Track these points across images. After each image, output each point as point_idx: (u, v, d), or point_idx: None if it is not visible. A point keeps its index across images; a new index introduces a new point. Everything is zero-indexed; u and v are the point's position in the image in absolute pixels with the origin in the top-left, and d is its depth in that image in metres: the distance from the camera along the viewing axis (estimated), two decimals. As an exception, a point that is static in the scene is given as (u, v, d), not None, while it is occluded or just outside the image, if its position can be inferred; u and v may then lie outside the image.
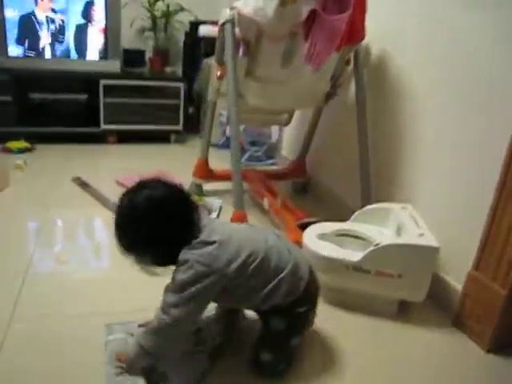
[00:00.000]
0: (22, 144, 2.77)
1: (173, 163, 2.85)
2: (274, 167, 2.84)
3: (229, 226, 1.22)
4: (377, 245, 1.39)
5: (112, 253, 1.72)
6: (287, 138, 2.86)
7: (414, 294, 1.43)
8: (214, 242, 1.06)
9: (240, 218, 1.66)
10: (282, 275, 1.11)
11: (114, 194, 2.10)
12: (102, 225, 1.98)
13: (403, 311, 1.49)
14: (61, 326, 1.29)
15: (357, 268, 1.41)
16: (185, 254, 1.05)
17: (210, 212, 2.07)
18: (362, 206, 1.75)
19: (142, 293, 1.44)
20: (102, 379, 1.09)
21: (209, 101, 2.12)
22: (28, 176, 2.42)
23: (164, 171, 2.48)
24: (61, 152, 2.82)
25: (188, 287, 1.03)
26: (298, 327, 1.18)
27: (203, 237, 1.07)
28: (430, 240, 1.38)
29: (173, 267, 1.08)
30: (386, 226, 1.61)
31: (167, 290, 1.07)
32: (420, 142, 1.69)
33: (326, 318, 1.38)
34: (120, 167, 2.67)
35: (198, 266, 1.03)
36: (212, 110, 2.13)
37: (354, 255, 1.42)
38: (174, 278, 1.06)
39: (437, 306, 1.52)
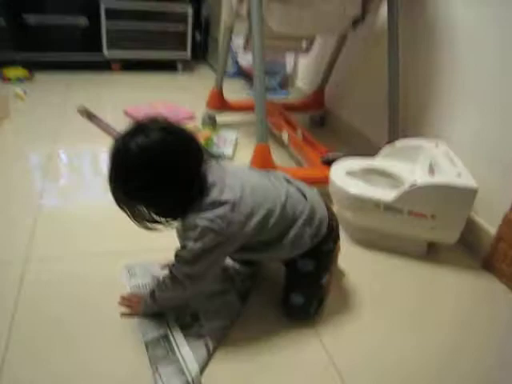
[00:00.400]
0: (20, 72, 2.62)
1: (182, 93, 2.72)
2: (290, 99, 2.70)
3: (242, 178, 0.99)
4: (413, 185, 1.30)
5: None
6: (303, 69, 2.70)
7: (446, 235, 1.37)
8: (225, 203, 0.91)
9: (263, 151, 1.55)
10: (300, 223, 1.03)
11: (123, 126, 2.05)
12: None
13: (432, 253, 1.43)
14: (77, 267, 1.22)
15: (389, 207, 1.34)
16: (194, 219, 0.90)
17: (225, 144, 1.97)
18: (388, 143, 1.65)
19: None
20: (127, 320, 1.05)
21: (223, 26, 1.95)
22: (29, 106, 2.29)
23: (173, 102, 2.39)
24: (62, 80, 2.68)
25: (203, 257, 0.93)
26: (325, 265, 1.13)
27: (214, 195, 0.91)
28: (468, 180, 1.30)
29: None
30: (416, 164, 1.52)
31: (180, 259, 0.96)
32: (455, 75, 1.56)
33: (353, 258, 1.33)
34: (126, 97, 2.54)
35: (212, 234, 0.90)
36: (227, 36, 1.97)
37: (387, 194, 1.34)
38: (185, 246, 0.94)
39: (466, 248, 1.47)
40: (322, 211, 1.09)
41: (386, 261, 1.39)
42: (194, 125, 2.14)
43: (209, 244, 0.91)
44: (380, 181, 1.50)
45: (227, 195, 0.92)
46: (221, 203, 0.91)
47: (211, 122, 2.18)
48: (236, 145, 2.01)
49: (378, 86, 1.92)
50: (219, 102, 2.13)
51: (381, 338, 1.11)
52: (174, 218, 0.96)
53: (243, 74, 3.07)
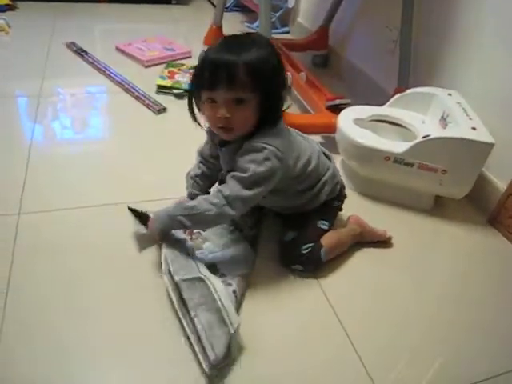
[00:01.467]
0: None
1: (177, 27, 2.56)
2: (290, 36, 2.55)
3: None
4: (425, 136, 1.24)
5: (123, 130, 1.57)
6: (306, 4, 2.53)
7: (455, 190, 1.33)
8: (285, 137, 1.00)
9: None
10: (325, 178, 1.11)
11: (115, 62, 1.94)
12: (108, 98, 1.77)
13: (439, 206, 1.40)
14: (75, 219, 1.17)
15: (399, 160, 1.28)
16: (260, 142, 0.94)
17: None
18: (398, 90, 1.57)
19: (157, 180, 1.32)
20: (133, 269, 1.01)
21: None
22: (14, 40, 2.14)
23: (168, 38, 2.24)
24: (47, 11, 2.48)
25: (262, 183, 0.95)
26: (328, 216, 1.17)
27: (279, 127, 0.99)
28: (484, 135, 1.23)
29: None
30: (428, 114, 1.45)
31: (238, 179, 0.94)
32: (471, 23, 1.44)
33: (357, 209, 1.28)
34: (116, 30, 2.39)
35: (275, 159, 0.94)
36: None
37: (398, 146, 1.28)
38: (245, 169, 0.94)
39: (473, 203, 1.43)
40: (338, 174, 1.18)
41: (390, 213, 1.35)
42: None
43: (270, 170, 0.94)
44: (389, 130, 1.44)
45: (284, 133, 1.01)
46: (282, 136, 0.98)
47: (209, 61, 2.05)
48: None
49: (389, 28, 1.80)
50: (218, 39, 1.99)
51: (381, 286, 1.11)
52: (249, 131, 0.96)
53: (241, 8, 2.89)
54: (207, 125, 1.01)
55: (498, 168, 1.38)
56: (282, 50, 1.96)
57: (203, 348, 0.84)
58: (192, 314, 0.88)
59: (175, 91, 1.77)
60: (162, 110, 1.66)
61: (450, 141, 1.23)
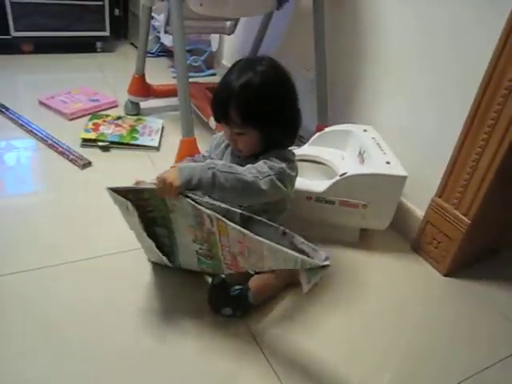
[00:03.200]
0: None
1: (102, 76, 2.54)
2: (216, 78, 2.61)
3: None
4: (342, 175, 1.30)
5: (45, 187, 1.53)
6: (229, 47, 2.61)
7: (378, 223, 1.39)
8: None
9: (190, 146, 1.49)
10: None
11: (38, 117, 1.90)
12: (30, 154, 1.72)
13: (364, 238, 1.45)
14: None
15: (320, 199, 1.33)
16: (290, 154, 1.10)
17: (150, 133, 1.87)
18: (318, 129, 1.63)
19: (81, 239, 1.30)
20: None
21: (143, 6, 1.81)
22: None
23: (93, 88, 2.23)
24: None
25: (285, 180, 1.04)
26: None
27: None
28: (397, 168, 1.31)
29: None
30: (346, 150, 1.52)
31: (269, 166, 1.02)
32: (382, 58, 1.55)
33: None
34: (40, 82, 2.34)
35: (293, 171, 1.09)
36: (147, 17, 1.84)
37: (317, 185, 1.33)
38: (272, 166, 1.02)
39: (396, 231, 1.50)
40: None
41: (318, 250, 1.39)
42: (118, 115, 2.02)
43: (291, 175, 1.07)
44: (313, 169, 1.49)
45: None
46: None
47: (135, 109, 2.06)
48: (162, 134, 1.91)
49: (306, 68, 1.88)
50: (142, 89, 2.00)
51: (314, 323, 1.12)
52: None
53: (167, 53, 2.93)
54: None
55: (414, 197, 1.45)
56: (207, 94, 2.00)
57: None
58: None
59: (100, 143, 1.75)
60: (86, 165, 1.63)
61: (366, 177, 1.29)
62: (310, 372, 1.00)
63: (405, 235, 1.49)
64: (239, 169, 0.99)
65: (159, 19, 2.49)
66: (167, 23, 1.85)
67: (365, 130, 1.50)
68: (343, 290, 1.25)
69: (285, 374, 0.98)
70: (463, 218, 1.29)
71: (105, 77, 2.53)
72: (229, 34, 2.17)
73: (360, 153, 1.44)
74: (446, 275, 1.36)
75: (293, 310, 1.16)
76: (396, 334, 1.13)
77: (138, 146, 1.79)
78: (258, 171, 0.99)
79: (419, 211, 1.44)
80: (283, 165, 1.03)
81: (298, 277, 1.19)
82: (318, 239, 1.37)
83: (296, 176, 1.12)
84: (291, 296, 1.19)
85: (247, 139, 1.07)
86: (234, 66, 1.07)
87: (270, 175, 1.00)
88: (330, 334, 1.10)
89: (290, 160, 1.08)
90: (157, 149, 1.79)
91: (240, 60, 1.09)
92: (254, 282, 1.11)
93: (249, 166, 1.02)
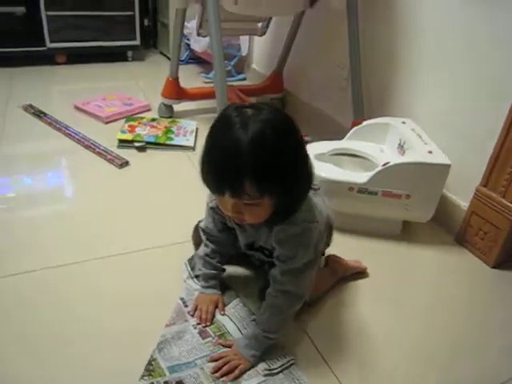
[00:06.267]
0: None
1: (134, 83, 2.59)
2: (247, 83, 2.62)
3: None
4: (385, 164, 1.28)
5: (86, 186, 1.55)
6: (259, 51, 2.62)
7: (421, 214, 1.36)
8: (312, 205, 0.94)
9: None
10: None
11: (74, 121, 1.93)
12: (69, 156, 1.75)
13: (406, 231, 1.42)
14: (44, 280, 1.13)
15: (362, 190, 1.31)
16: (296, 225, 0.89)
17: (185, 134, 1.88)
18: (354, 124, 1.62)
19: (124, 234, 1.31)
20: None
21: (177, 9, 1.84)
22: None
23: (126, 94, 2.27)
24: (3, 76, 2.47)
25: (315, 261, 0.94)
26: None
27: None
28: (440, 157, 1.28)
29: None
30: (385, 143, 1.49)
31: (293, 274, 0.91)
32: (418, 50, 1.53)
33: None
34: (75, 90, 2.39)
35: (316, 232, 0.92)
36: (181, 19, 1.86)
37: (360, 176, 1.31)
38: (293, 256, 0.90)
39: (439, 224, 1.46)
40: (331, 214, 1.08)
41: (360, 243, 1.36)
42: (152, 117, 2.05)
43: (316, 248, 0.93)
44: (351, 162, 1.47)
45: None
46: (311, 205, 0.93)
47: (168, 112, 2.08)
48: (197, 134, 1.92)
49: (340, 66, 1.88)
50: (176, 92, 2.03)
51: (362, 317, 1.10)
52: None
53: (197, 60, 2.96)
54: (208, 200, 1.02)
55: (457, 188, 1.42)
56: (239, 95, 2.01)
57: None
58: None
59: (136, 144, 1.77)
60: (124, 164, 1.65)
61: (409, 166, 1.27)
62: (365, 368, 0.98)
63: (448, 228, 1.45)
64: (275, 316, 0.94)
65: (189, 26, 2.52)
66: (200, 26, 1.87)
67: (403, 122, 1.48)
68: (387, 284, 1.22)
69: (339, 368, 0.96)
70: (511, 206, 1.25)
71: (137, 84, 2.57)
72: (260, 36, 2.18)
73: (400, 145, 1.41)
74: (493, 267, 1.32)
75: (340, 304, 1.13)
76: (443, 329, 1.09)
77: (173, 145, 1.80)
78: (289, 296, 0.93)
79: (463, 202, 1.41)
80: (302, 257, 0.90)
81: (345, 270, 1.19)
82: (360, 232, 1.37)
83: (323, 231, 0.99)
84: (337, 290, 1.17)
85: (255, 209, 0.83)
86: (223, 122, 0.81)
87: (299, 290, 0.94)
88: (376, 328, 1.07)
89: (313, 221, 0.91)
90: (193, 149, 1.80)
91: (226, 115, 0.81)
92: None
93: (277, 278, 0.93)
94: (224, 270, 1.13)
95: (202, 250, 1.10)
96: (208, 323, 1.03)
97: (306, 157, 0.86)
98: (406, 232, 1.42)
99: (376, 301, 1.15)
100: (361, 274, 1.23)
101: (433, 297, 1.21)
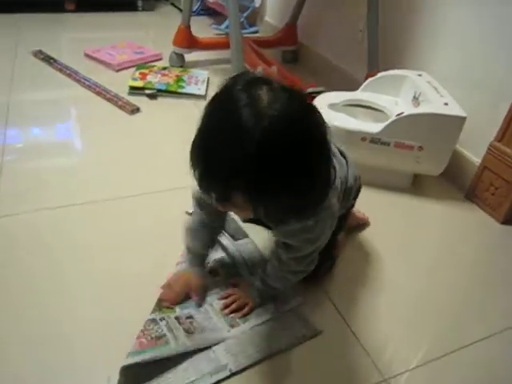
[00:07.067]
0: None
1: (144, 33, 2.55)
2: (259, 35, 2.57)
3: None
4: (399, 114, 1.26)
5: (98, 131, 1.54)
6: (272, 2, 2.56)
7: (433, 167, 1.35)
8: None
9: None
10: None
11: (85, 68, 1.91)
12: (79, 102, 1.74)
13: (416, 185, 1.42)
14: (57, 218, 1.15)
15: (375, 140, 1.30)
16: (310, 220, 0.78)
17: (196, 83, 1.86)
18: (368, 76, 1.59)
19: (135, 176, 1.32)
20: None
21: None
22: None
23: (137, 43, 2.23)
24: (11, 22, 2.43)
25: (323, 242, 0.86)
26: (343, 223, 1.04)
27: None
28: (456, 109, 1.26)
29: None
30: (400, 95, 1.47)
31: (298, 261, 0.88)
32: (436, 2, 1.49)
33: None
34: (84, 38, 2.35)
35: (329, 227, 0.84)
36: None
37: (373, 126, 1.30)
38: (300, 248, 0.85)
39: (449, 179, 1.46)
40: (356, 172, 1.01)
41: (370, 195, 1.34)
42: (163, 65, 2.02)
43: (326, 235, 0.85)
44: (364, 114, 1.46)
45: None
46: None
47: (179, 61, 2.05)
48: (208, 83, 1.90)
49: (355, 19, 1.83)
50: (187, 40, 1.99)
51: (372, 266, 1.11)
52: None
53: (208, 11, 2.90)
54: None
55: (471, 143, 1.40)
56: (252, 46, 1.97)
57: None
58: None
59: (147, 91, 1.76)
60: (135, 111, 1.64)
61: (424, 117, 1.25)
62: (380, 323, 0.99)
63: (458, 183, 1.44)
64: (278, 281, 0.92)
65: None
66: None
67: (419, 75, 1.45)
68: (395, 237, 1.22)
69: (348, 314, 0.98)
70: (524, 161, 1.24)
71: (147, 34, 2.53)
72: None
73: (415, 97, 1.39)
74: (503, 223, 1.32)
75: (350, 259, 1.13)
76: (450, 284, 1.10)
77: (184, 94, 1.78)
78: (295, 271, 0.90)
79: (475, 158, 1.40)
80: (311, 249, 0.85)
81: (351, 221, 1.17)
82: (370, 184, 1.37)
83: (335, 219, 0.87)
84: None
85: (249, 213, 0.72)
86: (228, 102, 0.64)
87: (303, 269, 0.90)
88: (382, 281, 1.08)
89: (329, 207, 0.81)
90: (204, 98, 1.79)
91: (233, 94, 0.63)
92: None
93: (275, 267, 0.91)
94: (212, 246, 1.01)
95: (190, 223, 0.96)
96: (173, 304, 0.94)
97: (328, 158, 0.70)
98: (416, 186, 1.42)
99: (383, 255, 1.15)
100: (364, 225, 1.23)
101: (441, 252, 1.21)
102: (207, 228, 0.95)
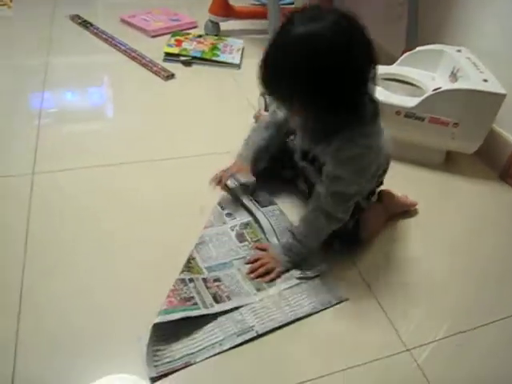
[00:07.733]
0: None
1: (179, 1, 2.52)
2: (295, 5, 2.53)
3: None
4: (436, 89, 1.24)
5: (133, 96, 1.57)
6: (309, -27, 2.51)
7: (467, 144, 1.33)
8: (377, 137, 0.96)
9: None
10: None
11: (121, 33, 1.93)
12: (115, 66, 1.76)
13: (450, 161, 1.41)
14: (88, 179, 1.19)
15: (410, 114, 1.28)
16: (354, 145, 0.89)
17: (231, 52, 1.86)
18: (406, 50, 1.56)
19: (170, 140, 1.35)
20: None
21: None
22: (17, 13, 2.10)
23: (172, 9, 2.23)
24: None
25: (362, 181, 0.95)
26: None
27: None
28: (496, 86, 1.23)
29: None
30: (437, 71, 1.44)
31: (338, 199, 0.92)
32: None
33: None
34: (119, 4, 2.34)
35: (373, 157, 0.93)
36: None
37: (408, 100, 1.28)
38: (339, 177, 0.90)
39: (483, 158, 1.43)
40: (389, 151, 1.04)
41: (403, 170, 1.35)
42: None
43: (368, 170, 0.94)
44: (399, 88, 1.43)
45: None
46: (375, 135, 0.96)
47: (215, 30, 2.04)
48: (243, 53, 1.90)
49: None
50: (224, 8, 1.97)
51: (399, 240, 1.12)
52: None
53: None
54: None
55: (509, 122, 1.37)
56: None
57: None
58: None
59: (182, 58, 1.77)
60: (170, 77, 1.66)
61: (461, 92, 1.23)
62: (405, 295, 0.99)
63: (492, 163, 1.42)
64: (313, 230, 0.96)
65: None
66: None
67: (458, 51, 1.42)
68: (427, 212, 1.21)
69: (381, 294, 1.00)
70: None
71: (183, 1, 2.51)
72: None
73: (453, 72, 1.37)
74: (536, 205, 1.30)
75: (388, 238, 1.13)
76: (478, 260, 1.10)
77: (219, 62, 1.79)
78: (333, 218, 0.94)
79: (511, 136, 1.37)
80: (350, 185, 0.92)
81: (398, 207, 1.18)
82: (403, 159, 1.36)
83: (381, 165, 1.02)
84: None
85: (297, 113, 0.94)
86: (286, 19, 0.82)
87: (344, 214, 0.94)
88: (409, 255, 1.08)
89: (372, 146, 0.91)
90: (238, 66, 1.79)
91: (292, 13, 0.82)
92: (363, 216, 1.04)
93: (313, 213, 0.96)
94: (266, 150, 1.12)
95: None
96: (218, 183, 1.09)
97: (361, 80, 0.84)
98: (449, 163, 1.40)
99: (412, 230, 1.15)
100: (410, 212, 1.21)
101: (470, 230, 1.20)
102: (269, 131, 1.10)
